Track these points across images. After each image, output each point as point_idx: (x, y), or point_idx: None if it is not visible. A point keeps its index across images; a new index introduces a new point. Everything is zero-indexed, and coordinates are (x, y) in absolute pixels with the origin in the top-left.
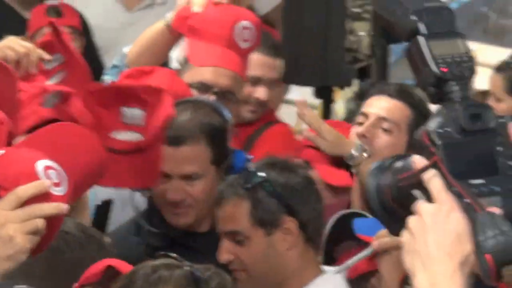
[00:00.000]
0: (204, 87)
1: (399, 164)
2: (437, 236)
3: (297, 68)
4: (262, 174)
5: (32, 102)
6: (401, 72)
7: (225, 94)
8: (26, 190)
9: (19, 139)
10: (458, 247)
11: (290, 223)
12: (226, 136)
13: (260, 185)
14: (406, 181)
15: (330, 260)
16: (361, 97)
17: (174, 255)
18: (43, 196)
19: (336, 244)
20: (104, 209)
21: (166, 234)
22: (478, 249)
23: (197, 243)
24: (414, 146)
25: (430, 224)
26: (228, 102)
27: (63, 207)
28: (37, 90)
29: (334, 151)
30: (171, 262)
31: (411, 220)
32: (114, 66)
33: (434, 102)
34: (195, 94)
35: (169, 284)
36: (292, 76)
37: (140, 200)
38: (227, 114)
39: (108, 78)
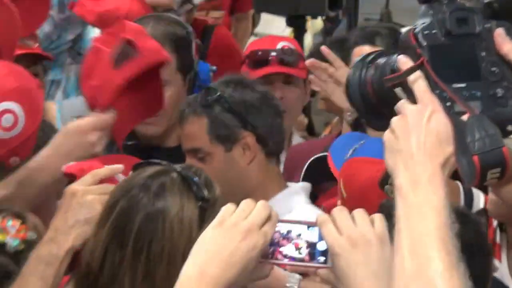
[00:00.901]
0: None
1: (382, 60)
2: (419, 137)
3: None
4: (218, 91)
5: None
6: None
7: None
8: (101, 172)
9: None
10: (439, 149)
11: (248, 138)
12: (190, 46)
13: (216, 102)
14: (390, 82)
15: (313, 198)
16: (328, 32)
17: (159, 161)
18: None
19: (316, 184)
20: None
21: (138, 146)
22: (466, 150)
23: (165, 158)
24: (399, 46)
25: (412, 124)
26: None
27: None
28: None
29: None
30: (163, 168)
31: (394, 120)
32: None
33: (422, 2)
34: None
35: (174, 189)
36: (264, 5)
37: None
38: (188, 26)
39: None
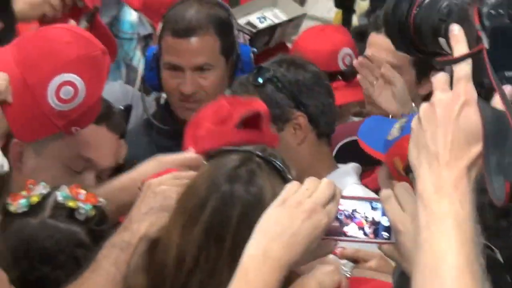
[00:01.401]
0: None
1: None
2: (447, 134)
3: None
4: (270, 70)
5: None
6: None
7: None
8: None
9: None
10: (466, 148)
11: (300, 118)
12: (232, 28)
13: (269, 81)
14: (439, 64)
15: None
16: (371, 13)
17: (234, 147)
18: None
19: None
20: (125, 113)
21: (177, 131)
22: (500, 165)
23: None
24: (457, 15)
25: (441, 118)
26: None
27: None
28: None
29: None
30: (244, 155)
31: (423, 108)
32: None
33: None
34: None
35: (264, 175)
36: None
37: (150, 101)
38: (229, 8)
39: None
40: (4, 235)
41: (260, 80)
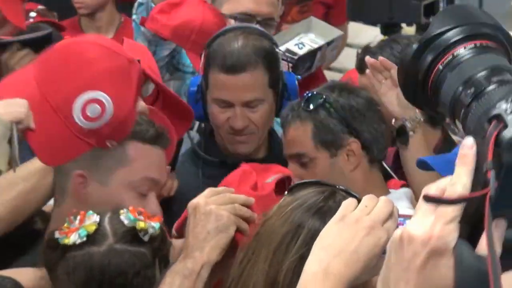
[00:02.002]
0: (247, 17)
1: (464, 59)
2: (408, 281)
3: (363, 5)
4: (322, 96)
5: None
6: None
7: (267, 21)
8: (233, 195)
9: None
10: None
11: (353, 144)
12: (278, 59)
13: (321, 107)
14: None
15: None
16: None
17: (317, 180)
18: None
19: None
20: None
21: (224, 162)
22: None
23: None
24: (475, 123)
25: (406, 260)
26: (269, 28)
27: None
28: None
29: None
30: (331, 189)
31: (394, 238)
32: (140, 4)
33: None
34: (230, 23)
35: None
36: (357, 14)
37: (193, 132)
38: (273, 38)
39: (136, 17)
40: (66, 269)
41: (312, 106)
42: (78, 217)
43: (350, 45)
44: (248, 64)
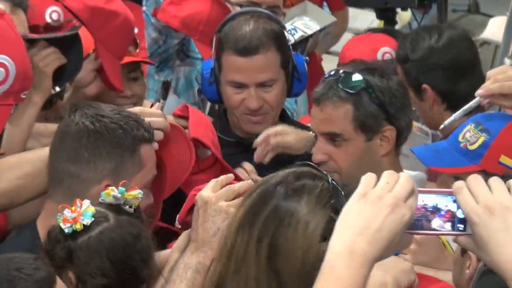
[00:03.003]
0: (252, 5)
1: None
2: None
3: None
4: (365, 78)
5: None
6: None
7: (272, 9)
8: (236, 186)
9: None
10: None
11: (389, 131)
12: (286, 40)
13: (364, 90)
14: None
15: None
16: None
17: (315, 165)
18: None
19: None
20: None
21: (239, 142)
22: None
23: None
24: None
25: None
26: (275, 15)
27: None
28: None
29: None
30: (315, 172)
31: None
32: None
33: None
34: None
35: (313, 195)
36: None
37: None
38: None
39: (146, 9)
40: (86, 255)
41: (354, 88)
42: (66, 209)
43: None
44: (260, 46)
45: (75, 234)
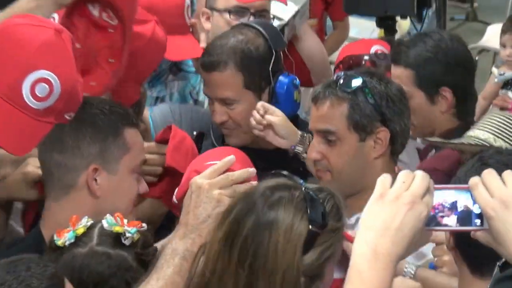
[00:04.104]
0: (241, 10)
1: None
2: None
3: None
4: (361, 79)
5: None
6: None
7: (260, 13)
8: (235, 174)
9: None
10: None
11: (382, 133)
12: (263, 61)
13: (361, 90)
14: None
15: None
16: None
17: (286, 173)
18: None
19: None
20: (198, 139)
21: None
22: None
23: (267, 160)
24: None
25: None
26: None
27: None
28: None
29: None
30: (288, 183)
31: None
32: None
33: None
34: (224, 17)
35: (291, 205)
36: (353, 7)
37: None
38: (279, 39)
39: None
40: (58, 269)
41: (352, 87)
42: (74, 221)
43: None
44: (217, 64)
45: (59, 248)
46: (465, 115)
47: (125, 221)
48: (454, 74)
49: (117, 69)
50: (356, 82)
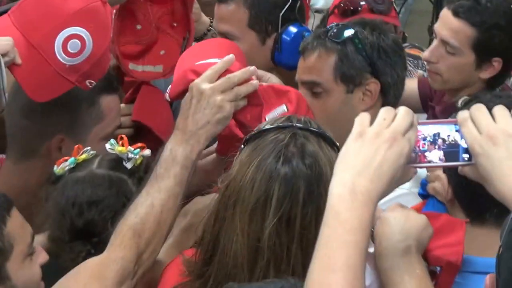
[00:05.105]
0: None
1: None
2: None
3: None
4: (353, 29)
5: None
6: None
7: None
8: (236, 76)
9: None
10: None
11: (372, 84)
12: (274, 5)
13: (350, 40)
14: None
15: None
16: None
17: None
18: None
19: None
20: None
21: None
22: None
23: None
24: None
25: None
26: None
27: (256, 84)
28: None
29: None
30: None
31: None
32: None
33: None
34: None
35: (313, 143)
36: None
37: None
38: None
39: None
40: (52, 196)
41: (341, 38)
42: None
43: None
44: None
45: (57, 177)
46: (498, 84)
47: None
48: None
49: (185, 38)
50: (347, 33)
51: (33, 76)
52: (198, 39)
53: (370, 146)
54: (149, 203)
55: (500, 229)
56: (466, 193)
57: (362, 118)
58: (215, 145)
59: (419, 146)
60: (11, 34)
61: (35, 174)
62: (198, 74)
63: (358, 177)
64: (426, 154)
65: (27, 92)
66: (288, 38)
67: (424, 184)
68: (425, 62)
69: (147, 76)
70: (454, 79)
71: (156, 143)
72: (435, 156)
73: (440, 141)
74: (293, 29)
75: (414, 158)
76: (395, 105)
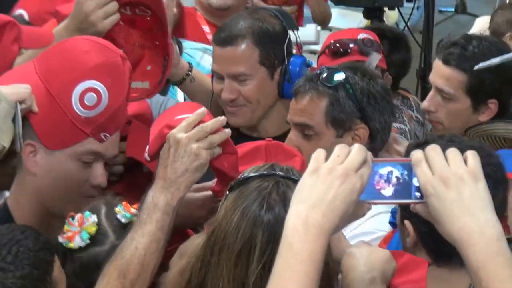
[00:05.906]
0: None
1: None
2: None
3: None
4: (344, 74)
5: None
6: None
7: None
8: (209, 125)
9: None
10: None
11: (361, 130)
12: (277, 39)
13: (342, 85)
14: None
15: None
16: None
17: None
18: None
19: None
20: None
21: (243, 134)
22: None
23: None
24: None
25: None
26: None
27: (228, 132)
28: None
29: None
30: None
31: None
32: None
33: None
34: None
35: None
36: None
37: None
38: (291, 22)
39: None
40: (73, 270)
41: (333, 82)
42: (77, 218)
43: (332, 29)
44: (235, 38)
45: (69, 250)
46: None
47: (133, 208)
48: (508, 89)
49: (165, 59)
50: (338, 77)
51: (48, 124)
52: (177, 83)
53: (324, 182)
54: (133, 246)
55: (464, 268)
56: (433, 239)
57: (318, 154)
58: (210, 182)
59: (373, 183)
60: (32, 81)
61: (23, 186)
62: (173, 128)
63: (312, 210)
64: (380, 190)
65: (41, 140)
66: (297, 69)
67: (394, 212)
68: (426, 112)
69: (135, 94)
70: (455, 125)
71: (149, 177)
72: (388, 192)
73: (393, 178)
74: (297, 60)
75: (367, 194)
76: (381, 150)
